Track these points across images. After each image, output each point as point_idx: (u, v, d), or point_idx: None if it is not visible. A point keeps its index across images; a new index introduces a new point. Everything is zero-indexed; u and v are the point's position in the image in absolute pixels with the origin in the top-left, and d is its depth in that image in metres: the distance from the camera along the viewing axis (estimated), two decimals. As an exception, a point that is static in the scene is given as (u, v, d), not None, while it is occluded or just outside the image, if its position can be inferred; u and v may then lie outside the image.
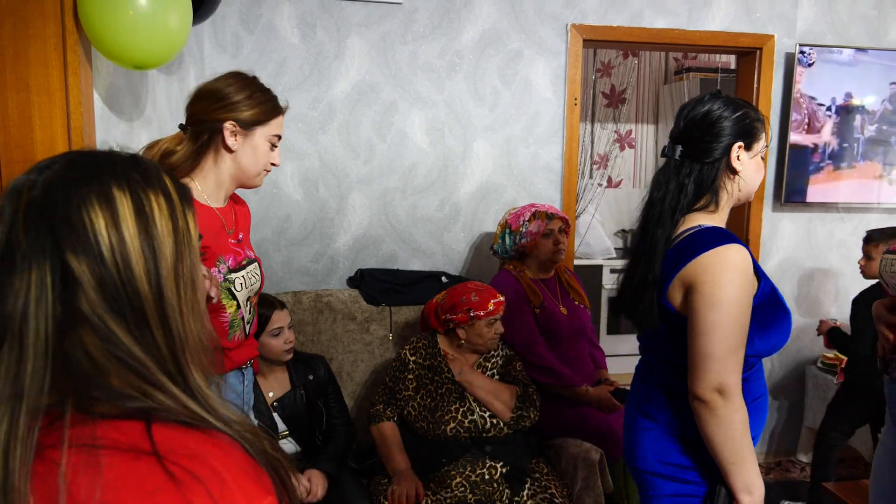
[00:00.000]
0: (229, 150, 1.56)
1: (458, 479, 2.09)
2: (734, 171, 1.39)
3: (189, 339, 0.64)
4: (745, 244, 1.57)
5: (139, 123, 2.02)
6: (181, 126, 1.58)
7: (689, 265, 1.30)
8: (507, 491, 2.06)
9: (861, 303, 2.74)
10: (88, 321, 0.59)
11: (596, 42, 3.08)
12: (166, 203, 0.66)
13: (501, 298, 2.25)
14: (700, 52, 4.68)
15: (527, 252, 2.53)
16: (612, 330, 4.53)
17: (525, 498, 2.07)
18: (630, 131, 5.24)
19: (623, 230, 5.16)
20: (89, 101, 1.61)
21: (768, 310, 1.35)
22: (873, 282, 2.78)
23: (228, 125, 1.53)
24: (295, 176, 2.86)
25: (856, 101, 3.17)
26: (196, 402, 0.62)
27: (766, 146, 1.47)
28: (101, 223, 0.60)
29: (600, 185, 5.14)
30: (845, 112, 3.18)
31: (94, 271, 0.59)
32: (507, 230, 2.56)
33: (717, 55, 4.81)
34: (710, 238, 1.32)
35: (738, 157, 1.38)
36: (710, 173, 1.38)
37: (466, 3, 2.88)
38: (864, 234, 2.86)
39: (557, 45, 2.98)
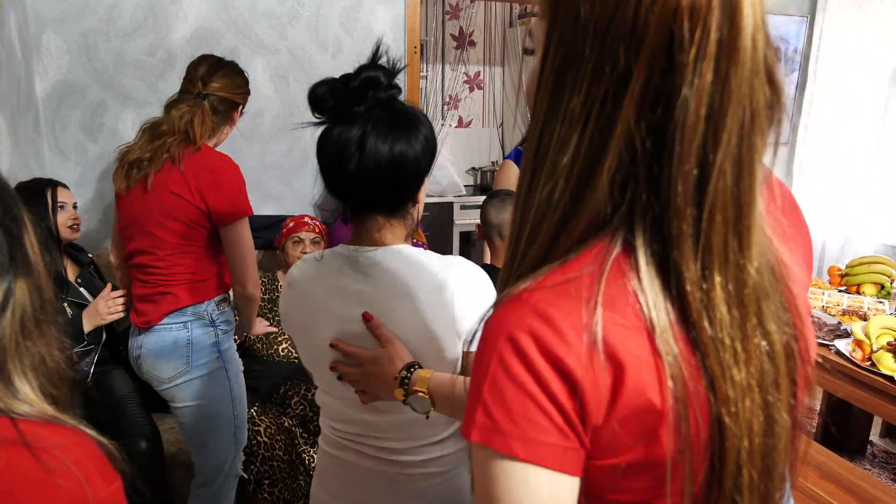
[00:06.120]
0: (231, 125, 2.04)
1: (297, 399, 2.31)
2: None
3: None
4: None
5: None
6: (200, 95, 1.91)
7: None
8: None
9: None
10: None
11: (433, -9, 3.23)
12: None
13: (308, 221, 2.53)
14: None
15: None
16: (464, 261, 4.88)
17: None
18: (479, 73, 5.48)
19: (473, 168, 5.45)
20: None
21: None
22: None
23: (241, 107, 2.03)
24: (136, 124, 2.83)
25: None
26: (52, 408, 0.66)
27: None
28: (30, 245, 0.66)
29: (451, 125, 5.38)
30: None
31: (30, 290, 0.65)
32: None
33: None
34: None
35: None
36: None
37: (305, -50, 2.92)
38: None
39: (396, -7, 3.10)
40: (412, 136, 1.06)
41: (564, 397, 0.52)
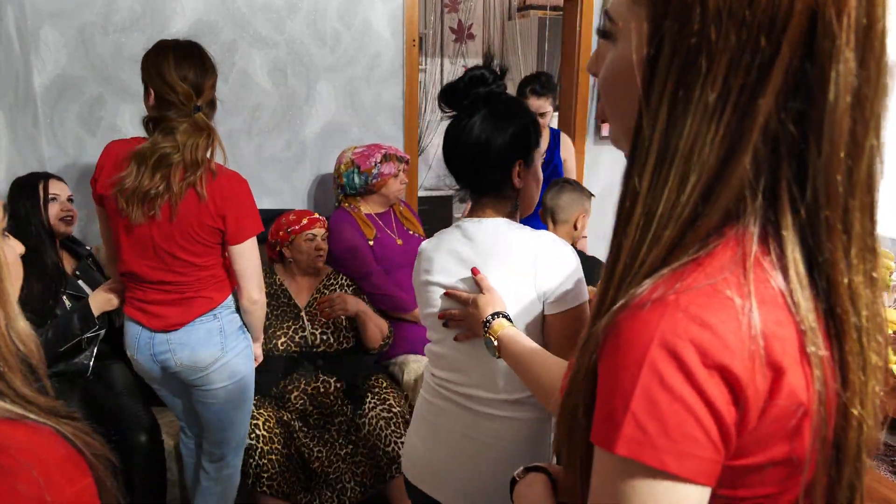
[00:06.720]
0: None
1: (297, 393, 2.31)
2: None
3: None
4: None
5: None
6: (198, 108, 1.82)
7: None
8: (349, 407, 2.32)
9: None
10: None
11: (432, -16, 3.22)
12: None
13: (318, 216, 2.48)
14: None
15: (374, 190, 2.71)
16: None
17: (367, 410, 2.33)
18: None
19: (473, 162, 5.46)
20: None
21: None
22: None
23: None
24: (135, 118, 2.83)
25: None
26: (17, 405, 0.64)
27: None
28: None
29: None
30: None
31: None
32: (356, 170, 2.69)
33: (555, -7, 5.09)
34: None
35: None
36: None
37: (303, -57, 2.91)
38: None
39: (395, -14, 3.09)
40: (501, 127, 1.26)
41: (725, 408, 0.51)
